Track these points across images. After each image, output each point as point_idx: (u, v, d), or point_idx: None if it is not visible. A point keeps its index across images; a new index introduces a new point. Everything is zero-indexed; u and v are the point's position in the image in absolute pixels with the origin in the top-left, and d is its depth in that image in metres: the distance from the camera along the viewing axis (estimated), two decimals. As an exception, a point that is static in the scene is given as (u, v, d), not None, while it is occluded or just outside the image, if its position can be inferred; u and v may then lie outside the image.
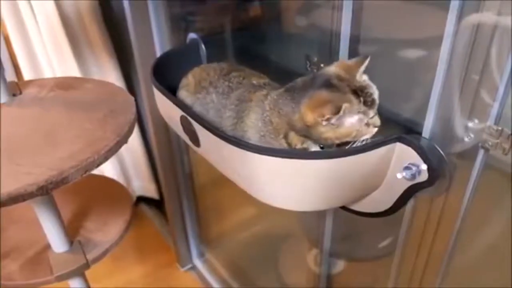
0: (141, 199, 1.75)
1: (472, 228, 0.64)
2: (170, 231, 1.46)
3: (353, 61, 0.55)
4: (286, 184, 0.54)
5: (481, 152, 0.54)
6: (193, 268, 1.52)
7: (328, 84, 0.53)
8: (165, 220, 1.47)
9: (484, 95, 0.51)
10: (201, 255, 1.53)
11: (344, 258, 1.09)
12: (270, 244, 1.36)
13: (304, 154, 0.52)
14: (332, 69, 0.55)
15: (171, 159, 1.27)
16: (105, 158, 0.54)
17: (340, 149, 0.55)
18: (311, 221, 1.09)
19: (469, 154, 0.55)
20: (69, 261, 0.77)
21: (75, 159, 0.54)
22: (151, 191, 1.66)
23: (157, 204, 1.70)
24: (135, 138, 1.53)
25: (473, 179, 0.58)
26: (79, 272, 0.84)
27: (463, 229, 0.63)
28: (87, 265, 0.77)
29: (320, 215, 0.89)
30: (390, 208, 0.58)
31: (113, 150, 0.55)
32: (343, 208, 0.65)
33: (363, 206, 0.62)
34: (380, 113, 0.56)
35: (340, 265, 1.16)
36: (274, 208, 0.58)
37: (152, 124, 1.17)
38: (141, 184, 1.66)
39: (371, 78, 0.61)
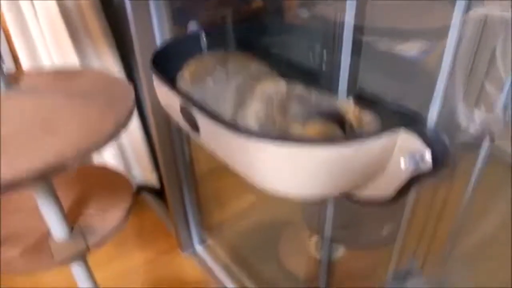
0: (143, 188, 1.76)
1: (474, 217, 0.64)
2: (171, 219, 1.47)
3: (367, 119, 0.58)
4: (286, 171, 0.54)
5: (486, 142, 0.53)
6: (195, 254, 1.53)
7: (342, 125, 0.57)
8: (167, 208, 1.47)
9: (491, 85, 0.50)
10: (203, 241, 1.54)
11: (345, 245, 1.09)
12: (271, 230, 1.37)
13: (305, 141, 0.52)
14: (351, 115, 0.58)
15: (171, 147, 1.27)
16: (104, 144, 0.54)
17: (343, 137, 0.55)
18: (312, 208, 1.09)
19: (474, 144, 0.54)
20: (70, 246, 0.78)
21: (73, 146, 0.53)
22: (151, 180, 1.66)
23: (159, 193, 1.70)
24: (135, 127, 1.52)
25: (477, 169, 0.58)
26: (80, 257, 0.84)
27: (466, 219, 0.63)
28: (87, 250, 0.78)
29: (321, 202, 0.88)
30: (392, 197, 0.57)
31: (111, 137, 0.54)
32: (344, 196, 0.65)
33: (364, 194, 0.61)
34: (384, 105, 0.56)
35: (340, 252, 1.17)
36: (274, 195, 0.58)
37: (152, 114, 1.16)
38: (142, 173, 1.66)
39: (376, 70, 0.61)
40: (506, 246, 0.60)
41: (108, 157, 1.56)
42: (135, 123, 1.51)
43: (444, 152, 0.53)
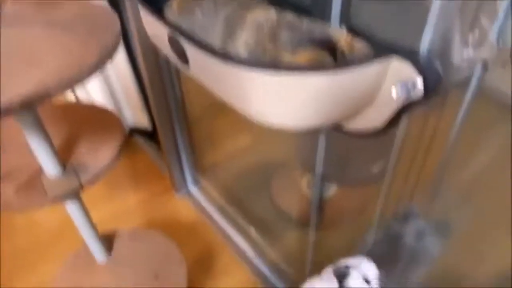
0: (135, 131, 1.75)
1: (468, 153, 0.64)
2: (164, 160, 1.48)
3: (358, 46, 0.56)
4: (276, 101, 0.53)
5: (478, 71, 0.53)
6: (189, 195, 1.55)
7: (333, 52, 0.55)
8: (159, 150, 1.47)
9: (485, 11, 0.49)
10: (196, 182, 1.56)
11: (336, 182, 1.11)
12: (264, 171, 1.38)
13: (295, 69, 0.50)
14: (343, 43, 0.56)
15: (161, 85, 1.25)
16: (88, 74, 0.52)
17: (335, 64, 0.54)
18: (304, 146, 1.10)
19: (467, 77, 0.54)
20: (63, 183, 0.78)
21: (58, 74, 0.51)
22: (143, 122, 1.65)
23: (151, 136, 1.70)
24: (125, 68, 1.49)
25: (467, 98, 0.57)
26: (74, 195, 0.85)
27: (456, 151, 0.63)
28: (80, 187, 0.78)
29: (312, 139, 0.88)
30: (383, 127, 0.57)
31: (96, 66, 0.53)
32: (335, 129, 0.65)
33: (355, 126, 0.61)
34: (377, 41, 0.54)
35: (332, 190, 1.19)
36: (268, 135, 0.57)
37: (139, 46, 1.13)
38: (133, 115, 1.65)
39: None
40: (503, 179, 0.60)
41: (98, 98, 1.54)
42: (124, 63, 1.47)
43: (436, 79, 0.52)
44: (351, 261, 0.72)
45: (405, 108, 0.54)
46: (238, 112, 0.60)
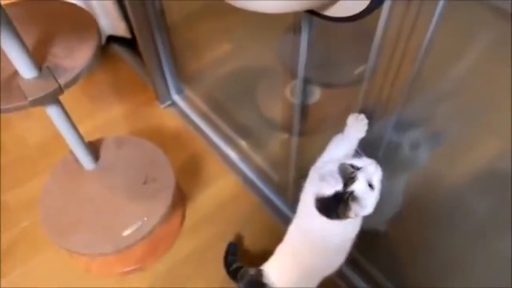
0: (112, 39, 1.67)
1: (449, 59, 0.63)
2: (146, 70, 1.44)
3: None
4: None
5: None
6: (173, 104, 1.54)
7: None
8: (140, 60, 1.43)
9: None
10: (180, 91, 1.54)
11: (319, 85, 1.12)
12: (248, 78, 1.37)
13: None
14: None
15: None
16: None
17: None
18: (286, 49, 1.08)
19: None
20: (41, 86, 0.76)
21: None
22: (121, 30, 1.57)
23: (130, 44, 1.63)
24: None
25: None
26: (53, 98, 0.84)
27: (431, 57, 0.62)
28: (60, 90, 0.77)
29: (295, 41, 0.87)
30: (366, 8, 0.56)
31: None
32: (319, 15, 0.63)
33: (338, 9, 0.59)
34: None
35: (316, 95, 1.19)
36: (250, 42, 0.55)
37: None
38: (110, 22, 1.56)
39: None
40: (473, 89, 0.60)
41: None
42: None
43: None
44: (358, 161, 0.66)
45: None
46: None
